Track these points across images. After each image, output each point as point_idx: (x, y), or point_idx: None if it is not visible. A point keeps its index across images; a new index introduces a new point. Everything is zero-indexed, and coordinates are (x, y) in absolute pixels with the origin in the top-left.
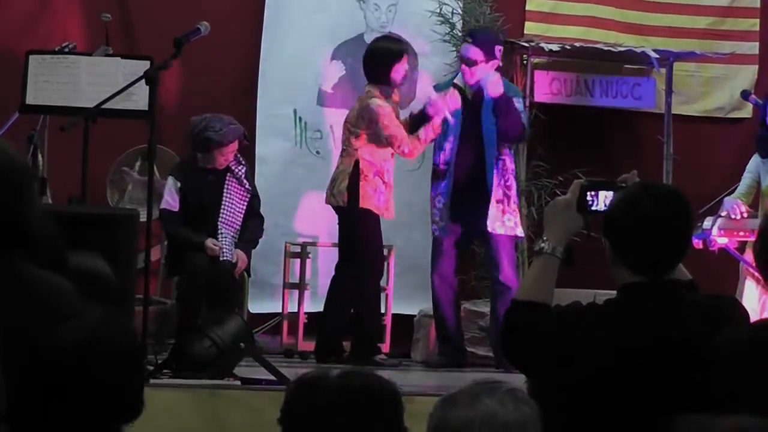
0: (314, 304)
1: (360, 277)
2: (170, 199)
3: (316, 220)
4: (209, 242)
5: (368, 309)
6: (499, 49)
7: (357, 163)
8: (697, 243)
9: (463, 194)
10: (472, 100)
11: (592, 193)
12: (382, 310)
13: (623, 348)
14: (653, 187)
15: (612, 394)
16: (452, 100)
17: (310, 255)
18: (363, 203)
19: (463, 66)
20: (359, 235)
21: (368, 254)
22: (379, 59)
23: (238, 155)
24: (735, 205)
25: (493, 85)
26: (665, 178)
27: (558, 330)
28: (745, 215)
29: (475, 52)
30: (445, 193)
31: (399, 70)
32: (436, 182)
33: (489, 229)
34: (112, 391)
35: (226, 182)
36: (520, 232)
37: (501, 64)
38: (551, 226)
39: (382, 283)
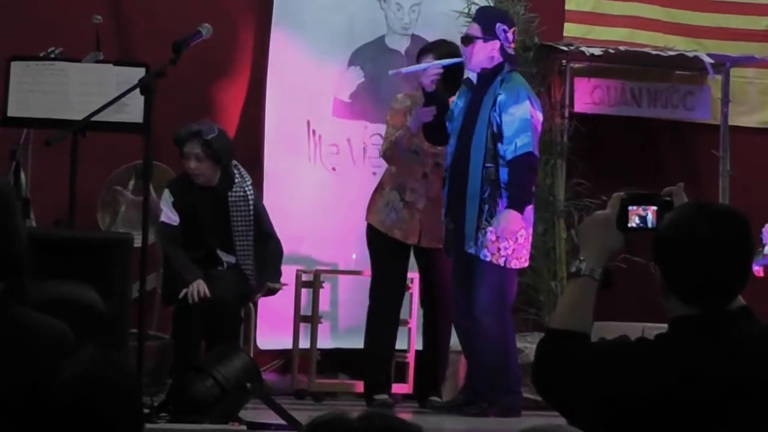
0: (334, 339)
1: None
2: (169, 212)
3: (334, 246)
4: (194, 288)
5: (368, 338)
6: (502, 28)
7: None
8: (758, 270)
9: (454, 204)
10: (476, 92)
11: (634, 207)
12: (404, 346)
13: (674, 389)
14: (709, 208)
15: None
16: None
17: (324, 284)
18: (368, 216)
19: (462, 48)
20: (368, 250)
21: (371, 272)
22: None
23: (240, 168)
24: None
25: (503, 231)
26: (721, 197)
27: (601, 366)
28: None
29: (473, 28)
30: (444, 202)
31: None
32: (444, 190)
33: (465, 247)
34: None
35: (230, 200)
36: (484, 255)
37: (511, 51)
38: (588, 244)
39: (405, 315)
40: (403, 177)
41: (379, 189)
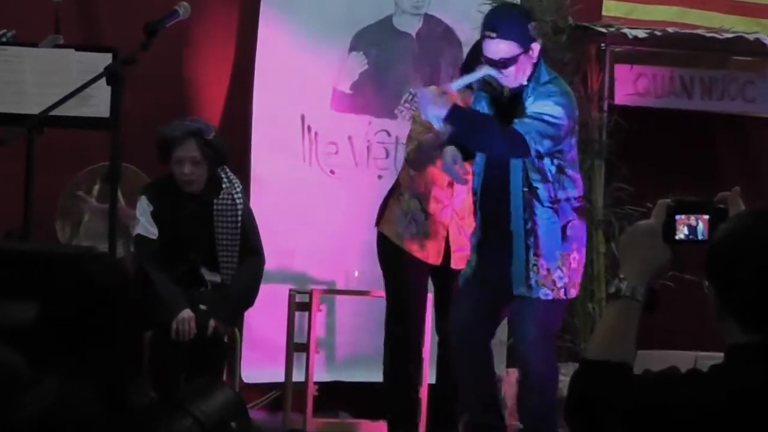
0: (331, 371)
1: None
2: (147, 223)
3: (332, 261)
4: (184, 326)
5: (386, 370)
6: (533, 26)
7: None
8: None
9: (489, 234)
10: (506, 104)
11: (683, 216)
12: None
13: (731, 430)
14: None
15: None
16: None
17: (322, 306)
18: (380, 224)
19: (497, 72)
20: (379, 265)
21: (385, 291)
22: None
23: (228, 172)
24: None
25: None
26: None
27: (645, 404)
28: None
29: (509, 48)
30: (476, 230)
31: None
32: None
33: (514, 291)
34: None
35: (215, 209)
36: (545, 294)
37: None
38: (630, 260)
39: None
40: (426, 183)
41: (395, 193)
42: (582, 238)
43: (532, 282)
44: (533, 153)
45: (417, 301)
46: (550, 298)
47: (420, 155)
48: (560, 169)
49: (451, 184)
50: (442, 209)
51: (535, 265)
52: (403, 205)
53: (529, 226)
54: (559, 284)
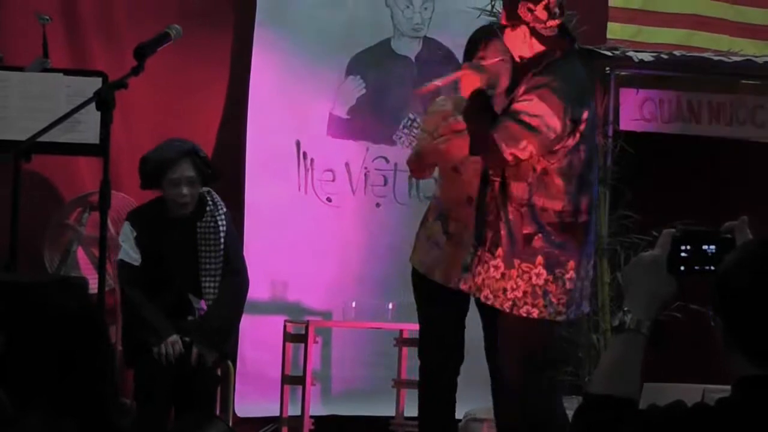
0: (326, 405)
1: None
2: (130, 250)
3: (328, 292)
4: (168, 348)
5: (421, 410)
6: (527, 7)
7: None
8: None
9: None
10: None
11: (688, 246)
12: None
13: None
14: None
15: None
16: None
17: (318, 338)
18: (411, 256)
19: None
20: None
21: (419, 330)
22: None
23: (213, 194)
24: None
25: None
26: None
27: None
28: None
29: (502, 16)
30: None
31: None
32: None
33: (461, 285)
34: None
35: (198, 232)
36: (486, 297)
37: (549, 32)
38: (634, 292)
39: None
40: (446, 203)
41: (423, 220)
42: (559, 257)
43: (476, 277)
44: (511, 158)
45: (447, 334)
46: (492, 302)
47: (418, 162)
48: (545, 172)
49: (470, 200)
50: (462, 229)
51: (486, 262)
52: (427, 230)
53: (490, 218)
54: (510, 295)
